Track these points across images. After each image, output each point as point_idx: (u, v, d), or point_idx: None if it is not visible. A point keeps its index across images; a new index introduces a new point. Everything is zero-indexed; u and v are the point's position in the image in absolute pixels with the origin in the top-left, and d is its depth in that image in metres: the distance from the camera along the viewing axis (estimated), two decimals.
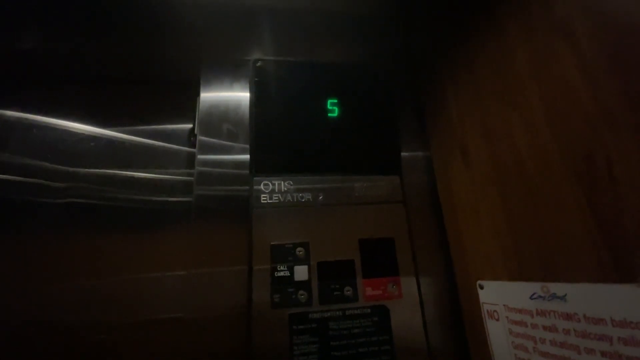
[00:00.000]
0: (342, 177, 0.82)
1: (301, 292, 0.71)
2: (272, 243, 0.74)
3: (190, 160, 0.81)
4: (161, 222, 0.78)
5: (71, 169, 0.78)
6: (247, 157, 0.79)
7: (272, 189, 0.78)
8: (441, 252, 0.79)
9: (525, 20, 0.55)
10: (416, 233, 0.80)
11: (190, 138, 0.84)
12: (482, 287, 0.67)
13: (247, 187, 0.76)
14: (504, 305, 0.60)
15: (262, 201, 0.77)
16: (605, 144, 0.43)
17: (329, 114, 0.86)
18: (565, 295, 0.48)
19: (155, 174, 0.82)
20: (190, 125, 0.84)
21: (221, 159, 0.78)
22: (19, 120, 0.79)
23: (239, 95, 0.84)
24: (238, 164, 0.78)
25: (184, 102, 0.85)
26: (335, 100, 0.86)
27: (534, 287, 0.53)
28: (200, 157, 0.77)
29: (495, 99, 0.63)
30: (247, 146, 0.80)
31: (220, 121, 0.80)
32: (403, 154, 0.87)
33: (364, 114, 0.88)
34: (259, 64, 0.85)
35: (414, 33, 0.95)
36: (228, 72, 0.86)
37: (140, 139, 0.84)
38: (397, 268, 0.77)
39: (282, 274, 0.72)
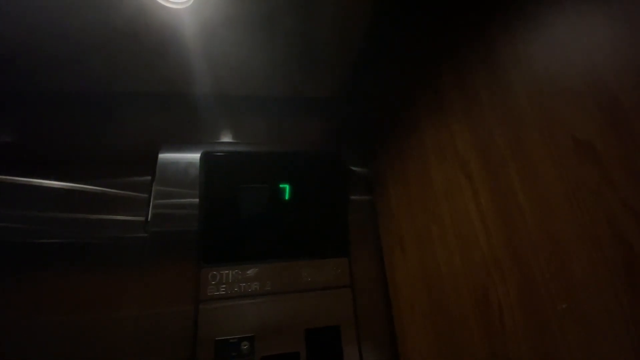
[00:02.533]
0: (291, 263, 0.84)
1: None
2: (216, 338, 0.75)
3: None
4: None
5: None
6: None
7: (219, 280, 0.80)
8: (388, 337, 0.81)
9: (439, 146, 0.60)
10: (363, 319, 0.82)
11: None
12: None
13: None
14: None
15: (209, 293, 0.78)
16: (496, 289, 0.46)
17: (278, 200, 0.89)
18: None
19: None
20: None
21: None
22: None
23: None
24: None
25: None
26: (285, 186, 0.89)
27: None
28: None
29: (421, 207, 0.67)
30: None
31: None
32: (352, 234, 0.90)
33: (313, 198, 0.91)
34: (207, 156, 0.88)
35: (362, 122, 1.00)
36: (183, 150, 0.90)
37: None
38: (342, 358, 0.78)
39: None
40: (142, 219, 0.84)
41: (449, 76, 0.55)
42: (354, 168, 0.98)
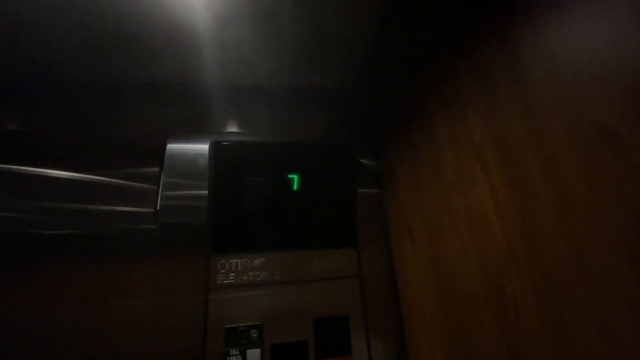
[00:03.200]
0: (299, 253, 0.85)
1: None
2: (226, 326, 0.76)
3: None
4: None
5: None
6: None
7: (228, 269, 0.80)
8: (395, 328, 0.82)
9: (452, 136, 0.59)
10: (371, 309, 0.83)
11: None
12: None
13: None
14: None
15: (218, 282, 0.79)
16: (510, 279, 0.46)
17: (287, 190, 0.89)
18: None
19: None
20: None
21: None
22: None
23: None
24: None
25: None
26: (294, 177, 0.89)
27: None
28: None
29: (433, 199, 0.66)
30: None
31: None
32: (361, 226, 0.90)
33: (321, 189, 0.91)
34: (216, 146, 0.88)
35: (372, 114, 1.00)
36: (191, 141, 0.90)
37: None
38: (350, 347, 0.79)
39: (234, 358, 0.73)
40: (151, 210, 0.84)
41: (466, 65, 0.55)
42: (362, 159, 0.98)
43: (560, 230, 0.39)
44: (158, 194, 0.85)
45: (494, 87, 0.49)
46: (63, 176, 0.85)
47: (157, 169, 0.88)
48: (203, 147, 0.90)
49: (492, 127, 0.49)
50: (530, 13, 0.43)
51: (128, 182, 0.87)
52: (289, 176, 0.89)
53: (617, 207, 0.33)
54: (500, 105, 0.48)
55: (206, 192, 0.85)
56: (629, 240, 0.32)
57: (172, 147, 0.89)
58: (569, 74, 0.38)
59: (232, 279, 0.80)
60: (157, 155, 0.89)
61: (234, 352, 0.74)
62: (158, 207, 0.83)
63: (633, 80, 0.32)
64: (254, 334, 0.76)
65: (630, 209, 0.32)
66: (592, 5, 0.36)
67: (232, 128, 0.97)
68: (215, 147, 0.88)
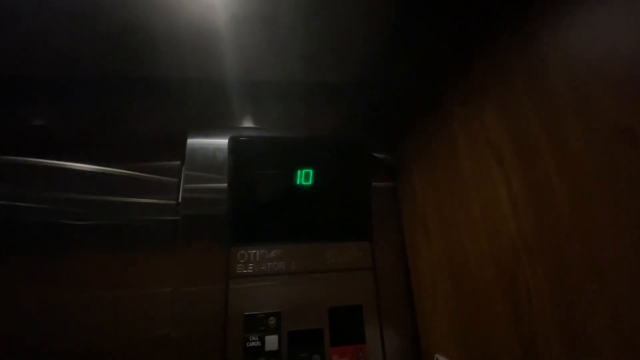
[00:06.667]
0: (315, 245, 0.87)
1: None
2: (246, 313, 0.79)
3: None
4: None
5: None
6: None
7: (247, 259, 0.84)
8: (408, 318, 0.84)
9: (469, 132, 0.60)
10: (384, 300, 0.85)
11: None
12: None
13: None
14: None
15: (238, 271, 0.82)
16: (524, 273, 0.47)
17: (303, 183, 0.91)
18: None
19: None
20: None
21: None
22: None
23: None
24: None
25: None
26: (309, 170, 0.92)
27: None
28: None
29: (448, 193, 0.68)
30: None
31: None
32: (374, 219, 0.92)
33: (336, 182, 0.93)
34: (235, 141, 0.91)
35: (387, 108, 1.01)
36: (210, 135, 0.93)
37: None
38: (365, 336, 0.81)
39: (253, 344, 0.77)
40: (173, 201, 0.88)
41: (483, 61, 0.55)
42: (376, 154, 0.99)
43: (574, 225, 0.40)
44: (180, 186, 0.89)
45: (511, 84, 0.49)
46: (89, 169, 0.90)
47: (178, 163, 0.91)
48: (222, 142, 0.93)
49: (508, 123, 0.50)
50: (550, 9, 0.44)
51: (151, 175, 0.91)
52: (305, 170, 0.92)
53: (631, 204, 0.34)
54: (516, 101, 0.48)
55: (225, 184, 0.88)
56: None
57: (193, 141, 0.92)
58: (586, 73, 0.39)
59: (250, 269, 0.83)
60: (179, 149, 0.92)
61: (254, 337, 0.77)
62: (180, 199, 0.87)
63: None
64: (272, 321, 0.79)
65: None
66: (611, 5, 0.36)
67: (250, 123, 0.99)
68: (233, 143, 0.91)
